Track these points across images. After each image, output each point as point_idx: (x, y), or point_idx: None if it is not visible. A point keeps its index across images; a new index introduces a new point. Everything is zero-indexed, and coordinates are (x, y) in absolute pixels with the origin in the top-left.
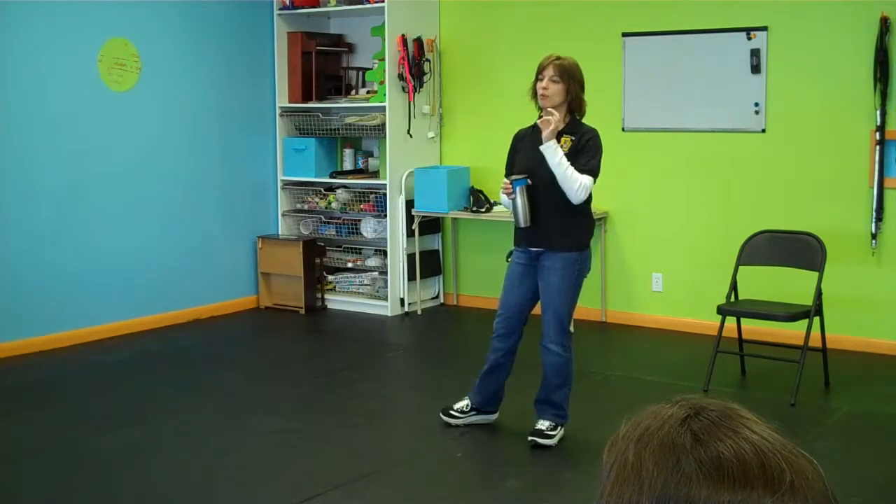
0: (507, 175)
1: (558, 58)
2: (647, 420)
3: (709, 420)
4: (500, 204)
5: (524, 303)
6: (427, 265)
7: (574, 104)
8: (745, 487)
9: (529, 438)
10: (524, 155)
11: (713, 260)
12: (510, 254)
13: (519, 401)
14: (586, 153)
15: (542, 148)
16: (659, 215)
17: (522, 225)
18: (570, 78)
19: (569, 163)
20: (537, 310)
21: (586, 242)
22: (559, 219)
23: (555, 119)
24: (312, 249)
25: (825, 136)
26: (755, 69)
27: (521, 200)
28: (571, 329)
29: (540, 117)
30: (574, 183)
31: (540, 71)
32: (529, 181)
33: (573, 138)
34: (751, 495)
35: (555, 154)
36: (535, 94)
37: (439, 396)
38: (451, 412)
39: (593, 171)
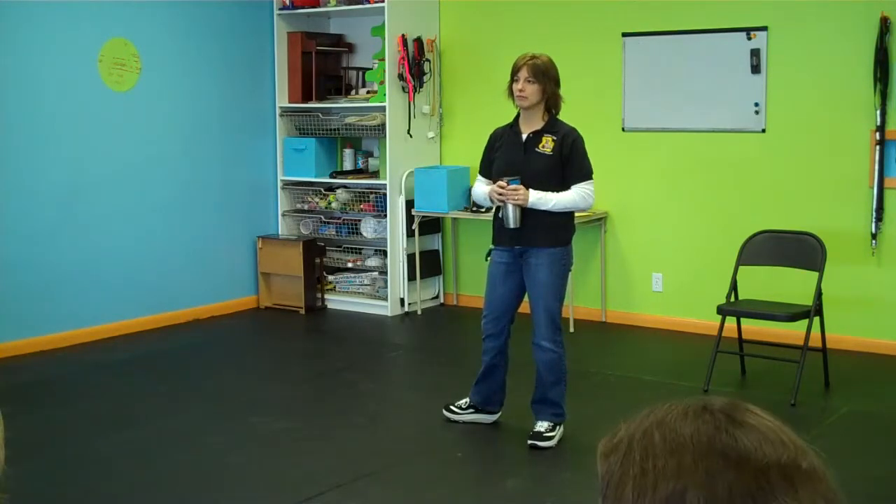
0: (482, 172)
1: (532, 57)
2: (659, 412)
3: (723, 413)
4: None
5: (510, 301)
6: (427, 265)
7: (551, 102)
8: (764, 475)
9: (528, 442)
10: (506, 156)
11: (713, 260)
12: (489, 253)
13: (519, 400)
14: (576, 159)
15: (531, 206)
16: (659, 215)
17: (513, 226)
18: (546, 77)
19: (555, 195)
20: (525, 309)
21: (569, 238)
22: (543, 216)
23: (521, 194)
24: (312, 249)
25: (825, 136)
26: (755, 69)
27: (513, 203)
28: (571, 328)
29: (517, 118)
30: (580, 202)
31: (515, 72)
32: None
33: (554, 137)
34: (768, 482)
35: (546, 202)
36: (511, 94)
37: (439, 396)
38: (452, 408)
39: (589, 173)
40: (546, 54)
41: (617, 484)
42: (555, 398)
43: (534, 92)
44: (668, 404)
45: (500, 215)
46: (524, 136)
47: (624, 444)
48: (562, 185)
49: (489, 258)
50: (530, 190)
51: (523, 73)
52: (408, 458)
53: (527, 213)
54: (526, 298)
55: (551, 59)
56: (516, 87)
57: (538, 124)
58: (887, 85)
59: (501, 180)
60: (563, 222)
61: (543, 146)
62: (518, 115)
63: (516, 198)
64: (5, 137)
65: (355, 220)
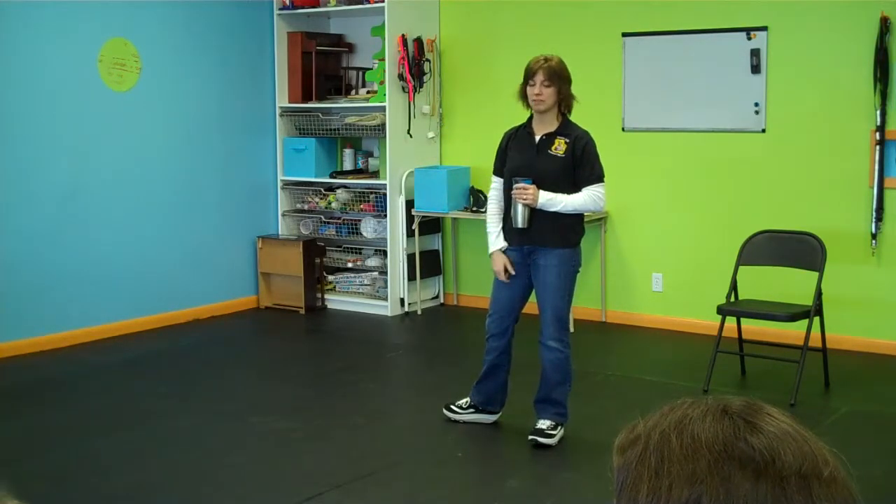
0: (496, 173)
1: (546, 60)
2: (678, 411)
3: (742, 417)
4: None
5: (516, 301)
6: (427, 265)
7: (564, 104)
8: (783, 478)
9: (530, 437)
10: (517, 156)
11: (713, 260)
12: None
13: (519, 401)
14: (588, 162)
15: (540, 207)
16: (659, 215)
17: (521, 225)
18: (560, 79)
19: (565, 197)
20: (531, 308)
21: (578, 239)
22: (553, 217)
23: (531, 193)
24: (312, 249)
25: (825, 136)
26: (755, 69)
27: (522, 202)
28: (571, 328)
29: (530, 119)
30: (591, 204)
31: (530, 75)
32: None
33: (567, 140)
34: (785, 493)
35: (556, 204)
36: (523, 97)
37: (439, 396)
38: (452, 407)
39: (600, 176)
40: (557, 55)
41: (632, 485)
42: (559, 398)
43: (550, 95)
44: (687, 403)
45: (511, 214)
46: (537, 138)
47: (641, 443)
48: (573, 187)
49: None
50: (540, 191)
51: (539, 77)
52: (408, 458)
53: (536, 213)
54: (533, 298)
55: (562, 60)
56: (532, 91)
57: (552, 126)
58: (887, 85)
59: (516, 180)
60: (572, 224)
61: (556, 148)
62: (531, 117)
63: (525, 197)
64: (5, 137)
65: (355, 220)
